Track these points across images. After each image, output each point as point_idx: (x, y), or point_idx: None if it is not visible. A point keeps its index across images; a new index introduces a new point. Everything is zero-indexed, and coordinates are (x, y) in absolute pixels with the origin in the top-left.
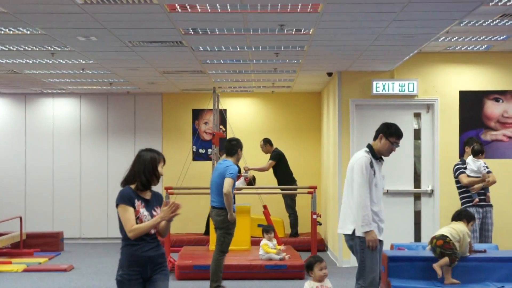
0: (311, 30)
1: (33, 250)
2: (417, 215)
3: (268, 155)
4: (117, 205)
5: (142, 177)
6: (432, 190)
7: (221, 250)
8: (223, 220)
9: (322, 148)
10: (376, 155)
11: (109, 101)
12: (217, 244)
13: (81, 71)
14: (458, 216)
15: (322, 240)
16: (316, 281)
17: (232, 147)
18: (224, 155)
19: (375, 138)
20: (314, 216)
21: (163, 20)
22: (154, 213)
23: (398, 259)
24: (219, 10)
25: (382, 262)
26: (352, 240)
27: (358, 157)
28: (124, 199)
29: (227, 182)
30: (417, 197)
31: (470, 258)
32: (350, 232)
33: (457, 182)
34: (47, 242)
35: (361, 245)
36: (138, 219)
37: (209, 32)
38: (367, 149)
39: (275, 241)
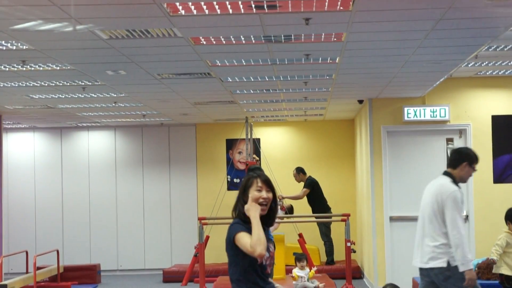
0: (337, 59)
1: (70, 283)
2: None
3: (302, 183)
4: (233, 237)
5: (238, 204)
6: (467, 216)
7: None
8: None
9: (356, 175)
10: (457, 184)
11: (144, 132)
12: None
13: (114, 104)
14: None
15: (358, 268)
16: None
17: None
18: None
19: (454, 166)
20: (348, 244)
21: (189, 52)
22: (270, 249)
23: None
24: (244, 42)
25: None
26: (446, 269)
27: (449, 189)
28: (243, 227)
29: None
30: None
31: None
32: (445, 265)
33: None
34: (85, 275)
35: (457, 274)
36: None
37: (236, 63)
38: (450, 179)
39: (307, 270)
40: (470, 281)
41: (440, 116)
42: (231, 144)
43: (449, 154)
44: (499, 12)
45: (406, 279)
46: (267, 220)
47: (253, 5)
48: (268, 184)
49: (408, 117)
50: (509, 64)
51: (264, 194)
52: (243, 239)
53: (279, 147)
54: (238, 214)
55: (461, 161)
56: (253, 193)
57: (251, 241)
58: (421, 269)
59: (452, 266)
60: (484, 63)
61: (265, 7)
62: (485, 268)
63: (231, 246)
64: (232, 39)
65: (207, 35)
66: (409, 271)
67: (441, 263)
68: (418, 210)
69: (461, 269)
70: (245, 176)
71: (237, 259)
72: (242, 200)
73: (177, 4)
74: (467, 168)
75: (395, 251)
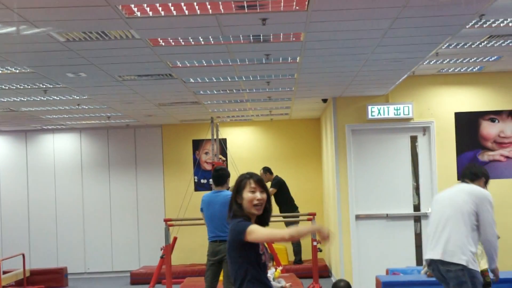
0: (297, 59)
1: (37, 287)
2: (418, 238)
3: (269, 183)
4: (244, 232)
5: (233, 206)
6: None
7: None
8: None
9: (323, 173)
10: None
11: (109, 134)
12: (229, 279)
13: (77, 107)
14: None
15: (325, 267)
16: None
17: (221, 177)
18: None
19: (473, 180)
20: (315, 243)
21: (149, 54)
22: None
23: (392, 285)
24: (203, 43)
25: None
26: (462, 271)
27: (485, 192)
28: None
29: None
30: (417, 220)
31: None
32: (464, 263)
33: None
34: (51, 278)
35: (472, 279)
36: (263, 255)
37: (196, 64)
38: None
39: (273, 269)
40: (497, 278)
41: (403, 114)
42: (197, 144)
43: (467, 168)
44: (455, 10)
45: (372, 277)
46: (262, 220)
47: (208, 6)
48: (261, 185)
49: (372, 115)
50: (470, 61)
51: (258, 195)
52: (260, 230)
53: (245, 147)
54: (234, 215)
55: (480, 177)
56: (247, 195)
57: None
58: (434, 263)
59: (468, 268)
60: (446, 61)
61: (221, 8)
62: None
63: (237, 246)
64: (191, 40)
65: (165, 36)
66: (375, 269)
67: (461, 260)
68: (383, 208)
69: (492, 266)
70: (238, 177)
71: (241, 260)
72: (236, 202)
73: (132, 6)
74: (482, 184)
75: (362, 249)
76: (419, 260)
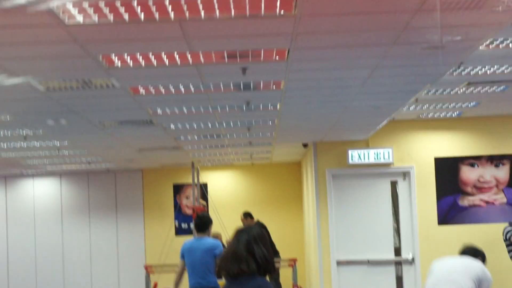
0: (278, 106)
1: None
2: (399, 283)
3: None
4: None
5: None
6: (413, 258)
7: None
8: None
9: (303, 217)
10: None
11: (90, 179)
12: None
13: (57, 152)
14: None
15: None
16: None
17: (203, 224)
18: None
19: (475, 256)
20: None
21: (129, 102)
22: None
23: None
24: (183, 91)
25: None
26: None
27: (486, 271)
28: None
29: None
30: (398, 265)
31: None
32: None
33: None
34: None
35: None
36: None
37: (177, 111)
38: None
39: None
40: None
41: (383, 159)
42: (178, 189)
43: (468, 247)
44: (434, 60)
45: None
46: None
47: (189, 57)
48: None
49: (352, 160)
50: (449, 106)
51: None
52: None
53: (226, 191)
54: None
55: (480, 256)
56: None
57: None
58: None
59: None
60: (425, 106)
61: (201, 58)
62: None
63: None
64: (171, 88)
65: (146, 84)
66: None
67: None
68: (365, 253)
69: None
70: (257, 228)
71: None
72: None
73: (113, 55)
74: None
75: None
76: None
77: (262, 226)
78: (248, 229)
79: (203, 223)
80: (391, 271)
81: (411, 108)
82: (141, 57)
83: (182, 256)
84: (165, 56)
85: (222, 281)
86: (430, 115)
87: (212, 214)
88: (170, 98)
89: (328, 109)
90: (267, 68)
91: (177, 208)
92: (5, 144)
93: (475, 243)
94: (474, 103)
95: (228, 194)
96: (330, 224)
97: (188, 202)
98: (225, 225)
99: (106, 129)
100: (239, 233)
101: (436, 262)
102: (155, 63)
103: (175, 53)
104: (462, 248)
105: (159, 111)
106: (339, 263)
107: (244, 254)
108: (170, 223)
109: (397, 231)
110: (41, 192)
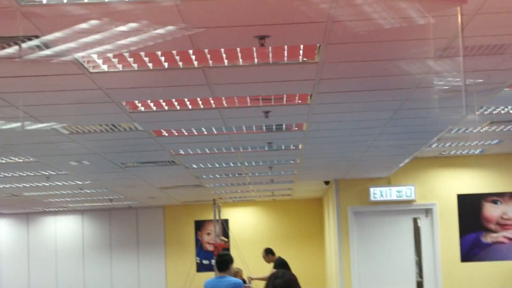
0: (299, 146)
1: None
2: None
3: (272, 264)
4: None
5: None
6: None
7: None
8: None
9: (325, 254)
10: None
11: (111, 216)
12: None
13: (80, 191)
14: None
15: None
16: None
17: (224, 262)
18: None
19: None
20: None
21: (152, 143)
22: None
23: None
24: (206, 133)
25: None
26: None
27: None
28: None
29: None
30: None
31: None
32: None
33: None
34: None
35: None
36: None
37: (199, 152)
38: None
39: None
40: None
41: (406, 196)
42: (199, 225)
43: None
44: (455, 103)
45: None
46: None
47: (211, 101)
48: None
49: (374, 197)
50: (471, 144)
51: None
52: None
53: (247, 227)
54: None
55: None
56: None
57: None
58: None
59: None
60: (448, 144)
61: (224, 103)
62: None
63: None
64: (194, 130)
65: (168, 127)
66: None
67: None
68: None
69: None
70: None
71: None
72: None
73: (136, 102)
74: None
75: None
76: None
77: (283, 263)
78: (282, 274)
79: (223, 261)
80: None
81: (433, 145)
82: (164, 103)
83: None
84: (188, 101)
85: None
86: (452, 152)
87: (233, 250)
88: (192, 139)
89: (351, 148)
90: (289, 111)
91: (199, 245)
92: (28, 183)
93: (497, 280)
94: (496, 140)
95: (249, 230)
96: (352, 261)
97: (209, 238)
98: (246, 261)
99: (128, 169)
100: (274, 278)
101: None
102: (178, 107)
103: (198, 98)
104: None
105: (181, 151)
106: None
107: None
108: (191, 259)
109: (420, 267)
110: (63, 229)
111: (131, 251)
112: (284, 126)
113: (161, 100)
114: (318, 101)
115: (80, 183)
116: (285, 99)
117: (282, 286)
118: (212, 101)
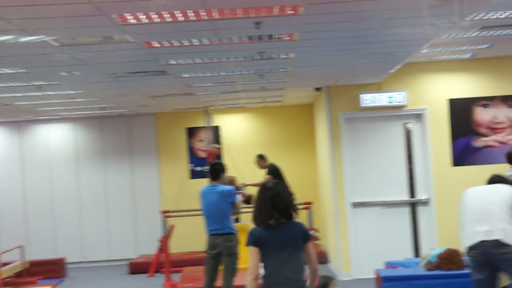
0: (291, 55)
1: (36, 278)
2: (414, 225)
3: (266, 170)
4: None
5: None
6: (428, 199)
7: (233, 276)
8: (234, 245)
9: (317, 159)
10: None
11: (103, 124)
12: (228, 272)
13: (71, 100)
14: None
15: (322, 253)
16: None
17: (216, 171)
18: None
19: (504, 183)
20: (312, 232)
21: (143, 54)
22: None
23: (392, 279)
24: (197, 44)
25: (376, 282)
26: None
27: None
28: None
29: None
30: (413, 206)
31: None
32: None
33: None
34: (50, 269)
35: None
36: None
37: (190, 62)
38: None
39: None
40: None
41: (397, 102)
42: (191, 132)
43: (496, 175)
44: (446, 10)
45: (370, 263)
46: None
47: (203, 13)
48: None
49: (365, 103)
50: (462, 49)
51: None
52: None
53: (239, 133)
54: None
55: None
56: None
57: None
58: (482, 247)
59: None
60: (438, 49)
61: (215, 14)
62: (447, 259)
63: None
64: (185, 41)
65: (159, 39)
66: (373, 257)
67: None
68: (379, 195)
69: None
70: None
71: None
72: None
73: (126, 14)
74: None
75: (358, 236)
76: (416, 247)
77: (275, 169)
78: (272, 186)
79: (215, 170)
80: (406, 212)
81: (424, 51)
82: (155, 15)
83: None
84: (181, 12)
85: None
86: (443, 57)
87: (225, 156)
88: (183, 50)
89: (342, 57)
90: (281, 21)
91: (191, 152)
92: (20, 93)
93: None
94: (487, 45)
95: (241, 136)
96: (344, 167)
97: (202, 145)
98: (240, 167)
99: (119, 79)
100: (264, 189)
101: (470, 193)
102: (168, 19)
103: (188, 10)
104: (491, 178)
105: (172, 61)
106: (353, 205)
107: (270, 211)
108: (184, 166)
109: (410, 172)
110: (56, 137)
111: (124, 159)
112: (275, 36)
113: (152, 13)
114: (309, 11)
115: (72, 92)
116: (277, 10)
117: (271, 198)
118: (204, 13)
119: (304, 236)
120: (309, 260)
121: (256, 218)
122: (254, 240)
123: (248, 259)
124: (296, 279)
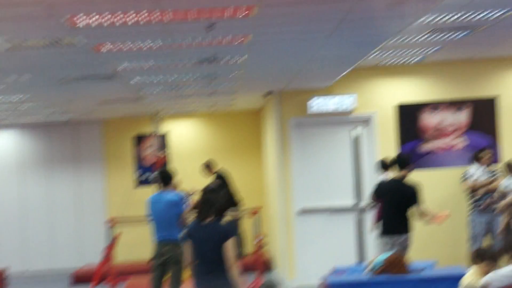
0: (242, 59)
1: None
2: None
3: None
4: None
5: None
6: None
7: (180, 285)
8: (181, 253)
9: (263, 166)
10: None
11: (49, 131)
12: (175, 280)
13: (16, 105)
14: None
15: (269, 260)
16: None
17: (165, 178)
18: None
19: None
20: (258, 239)
21: (91, 58)
22: None
23: (338, 286)
24: (147, 47)
25: None
26: None
27: None
28: None
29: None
30: (360, 213)
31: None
32: None
33: None
34: None
35: None
36: None
37: (140, 66)
38: None
39: None
40: None
41: (345, 106)
42: (139, 139)
43: None
44: (398, 12)
45: (315, 270)
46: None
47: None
48: None
49: (313, 108)
50: (411, 52)
51: None
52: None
53: (188, 139)
54: None
55: None
56: None
57: None
58: None
59: None
60: (388, 52)
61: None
62: (393, 263)
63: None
64: (135, 44)
65: (108, 42)
66: (318, 261)
67: None
68: (326, 201)
69: None
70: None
71: None
72: None
73: (76, 18)
74: None
75: (305, 243)
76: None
77: (222, 177)
78: (208, 188)
79: (164, 177)
80: (351, 219)
81: (374, 55)
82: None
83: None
84: (133, 14)
85: None
86: (392, 60)
87: (173, 163)
88: (132, 53)
89: (294, 59)
90: (234, 24)
91: (138, 159)
92: None
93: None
94: (436, 47)
95: (189, 142)
96: (292, 172)
97: (149, 152)
98: (188, 173)
99: (67, 84)
100: (204, 193)
101: None
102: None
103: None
104: None
105: (120, 66)
106: (300, 211)
107: (207, 209)
108: (130, 174)
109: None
110: (0, 144)
111: (70, 167)
112: (227, 39)
113: (102, 15)
114: (262, 13)
115: (21, 96)
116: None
117: (208, 198)
118: (155, 15)
119: (224, 235)
120: (226, 257)
121: (197, 215)
122: (187, 233)
123: None
124: (216, 271)
